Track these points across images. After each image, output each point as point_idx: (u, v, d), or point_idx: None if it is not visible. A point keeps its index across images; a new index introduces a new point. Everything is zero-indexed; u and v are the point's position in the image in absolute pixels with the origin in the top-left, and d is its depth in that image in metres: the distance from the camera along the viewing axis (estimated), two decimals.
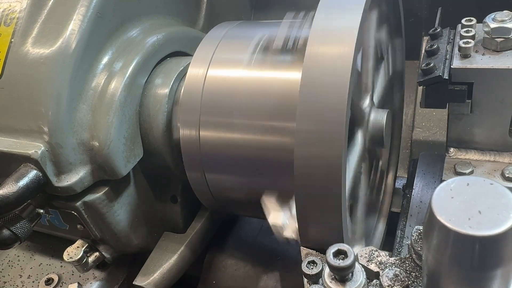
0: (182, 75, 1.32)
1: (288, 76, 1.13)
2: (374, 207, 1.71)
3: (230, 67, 1.22)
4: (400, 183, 1.98)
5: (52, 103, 1.12)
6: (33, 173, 1.09)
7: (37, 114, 1.13)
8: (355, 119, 1.23)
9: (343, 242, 0.97)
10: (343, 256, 0.80)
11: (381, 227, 1.69)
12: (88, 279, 1.52)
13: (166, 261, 1.39)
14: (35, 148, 1.10)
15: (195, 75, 1.21)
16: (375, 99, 1.35)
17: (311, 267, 0.90)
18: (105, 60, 1.22)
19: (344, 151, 0.90)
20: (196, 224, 1.49)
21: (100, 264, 1.44)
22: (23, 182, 1.07)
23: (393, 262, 0.89)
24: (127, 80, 1.21)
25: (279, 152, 1.11)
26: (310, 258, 0.90)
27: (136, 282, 1.36)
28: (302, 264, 0.90)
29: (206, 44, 1.27)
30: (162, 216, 1.47)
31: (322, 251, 1.02)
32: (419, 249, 0.85)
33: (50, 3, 1.21)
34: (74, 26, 1.15)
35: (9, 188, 1.05)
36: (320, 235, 1.00)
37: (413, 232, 0.88)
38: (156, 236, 1.47)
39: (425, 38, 2.15)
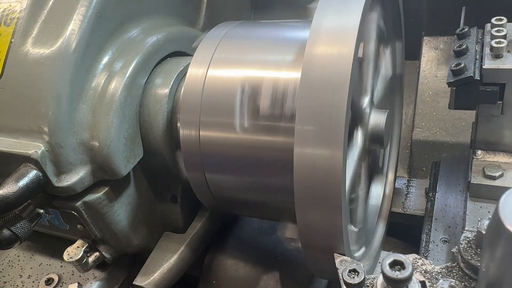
0: (182, 75, 1.32)
1: (289, 75, 1.13)
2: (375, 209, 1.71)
3: (230, 67, 1.22)
4: (400, 183, 1.99)
5: (52, 103, 1.12)
6: (33, 173, 1.09)
7: (37, 114, 1.13)
8: (355, 119, 1.23)
9: (343, 242, 0.98)
10: (399, 267, 0.76)
11: (381, 227, 1.69)
12: (88, 279, 1.52)
13: (166, 261, 1.39)
14: (35, 148, 1.10)
15: (195, 75, 1.21)
16: (375, 100, 1.35)
17: (353, 275, 0.86)
18: (105, 60, 1.22)
19: (344, 151, 0.90)
20: (196, 224, 1.49)
21: (100, 264, 1.43)
22: (23, 182, 1.07)
23: (439, 271, 0.85)
24: (127, 80, 1.21)
25: (279, 152, 1.11)
26: (351, 267, 0.86)
27: (136, 282, 1.36)
28: (343, 273, 0.86)
29: (206, 44, 1.27)
30: (162, 216, 1.47)
31: (324, 251, 1.02)
32: (469, 258, 0.82)
33: (50, 3, 1.21)
34: (74, 26, 1.15)
35: (9, 188, 1.05)
36: (321, 235, 0.99)
37: (461, 240, 0.85)
38: (156, 236, 1.47)
39: (425, 38, 2.17)
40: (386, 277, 0.76)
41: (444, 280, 0.82)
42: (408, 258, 0.77)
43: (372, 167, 1.57)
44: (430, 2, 2.07)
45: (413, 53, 2.14)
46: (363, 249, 1.45)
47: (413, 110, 2.14)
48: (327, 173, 0.90)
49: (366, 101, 1.26)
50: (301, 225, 1.00)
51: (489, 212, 1.29)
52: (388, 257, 0.77)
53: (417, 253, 1.40)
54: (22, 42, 1.19)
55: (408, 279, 0.75)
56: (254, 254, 1.55)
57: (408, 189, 1.98)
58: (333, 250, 1.00)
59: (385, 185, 1.76)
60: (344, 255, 0.99)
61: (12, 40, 1.21)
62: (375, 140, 1.27)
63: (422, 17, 2.13)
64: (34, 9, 1.21)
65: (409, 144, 2.10)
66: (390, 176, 1.80)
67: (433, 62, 2.14)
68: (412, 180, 2.02)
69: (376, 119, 1.26)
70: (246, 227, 1.66)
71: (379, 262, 1.53)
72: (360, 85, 1.26)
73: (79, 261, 1.30)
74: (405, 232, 1.92)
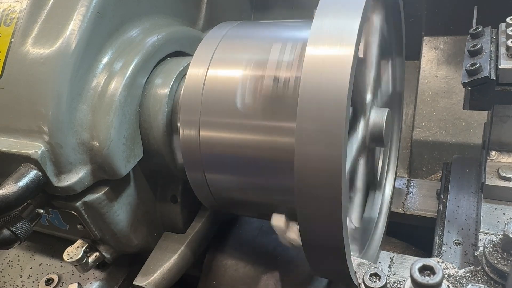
0: (182, 75, 1.32)
1: (289, 75, 1.13)
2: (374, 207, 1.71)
3: (230, 67, 1.22)
4: (400, 183, 1.99)
5: (52, 103, 1.12)
6: (33, 173, 1.09)
7: (37, 114, 1.13)
8: (357, 114, 1.23)
9: (343, 241, 0.98)
10: (428, 272, 0.74)
11: (381, 227, 1.69)
12: (88, 279, 1.52)
13: (166, 261, 1.39)
14: (35, 148, 1.10)
15: (195, 75, 1.21)
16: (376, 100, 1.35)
17: (374, 279, 0.84)
18: (105, 60, 1.22)
19: (344, 151, 0.90)
20: (196, 224, 1.49)
21: (100, 264, 1.43)
22: (23, 182, 1.07)
23: (463, 275, 0.84)
24: (127, 80, 1.21)
25: (279, 152, 1.11)
26: (372, 270, 0.85)
27: (136, 282, 1.36)
28: (364, 277, 0.85)
29: (206, 44, 1.27)
30: (162, 216, 1.47)
31: (325, 250, 1.02)
32: (495, 262, 0.82)
33: (50, 3, 1.21)
34: (74, 26, 1.15)
35: (9, 188, 1.05)
36: (321, 234, 0.99)
37: (486, 243, 0.84)
38: (156, 236, 1.46)
39: (425, 38, 2.17)
40: (415, 282, 0.74)
41: (472, 285, 0.81)
42: (437, 264, 0.75)
43: (371, 168, 1.57)
44: (430, 2, 2.08)
45: (413, 53, 2.15)
46: (362, 249, 1.46)
47: (413, 110, 2.14)
48: (327, 172, 0.90)
49: (368, 97, 1.26)
50: (302, 224, 1.00)
51: (504, 214, 1.28)
52: (417, 262, 0.75)
53: (428, 255, 1.38)
54: (22, 42, 1.19)
55: (439, 284, 0.74)
56: (254, 254, 1.55)
57: (408, 189, 1.98)
58: (334, 249, 1.00)
59: (385, 185, 1.76)
60: (345, 254, 0.99)
61: (12, 40, 1.21)
62: (376, 138, 1.27)
63: (422, 17, 2.13)
64: (34, 9, 1.21)
65: (409, 144, 2.10)
66: (390, 176, 1.80)
67: (433, 62, 2.14)
68: (412, 180, 2.03)
69: (377, 117, 1.26)
70: (246, 227, 1.66)
71: (379, 262, 1.53)
72: (363, 82, 1.26)
73: (79, 261, 1.30)
74: (405, 232, 1.92)
